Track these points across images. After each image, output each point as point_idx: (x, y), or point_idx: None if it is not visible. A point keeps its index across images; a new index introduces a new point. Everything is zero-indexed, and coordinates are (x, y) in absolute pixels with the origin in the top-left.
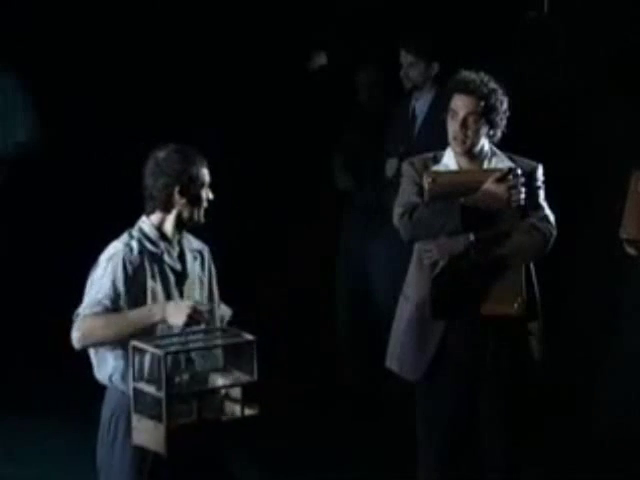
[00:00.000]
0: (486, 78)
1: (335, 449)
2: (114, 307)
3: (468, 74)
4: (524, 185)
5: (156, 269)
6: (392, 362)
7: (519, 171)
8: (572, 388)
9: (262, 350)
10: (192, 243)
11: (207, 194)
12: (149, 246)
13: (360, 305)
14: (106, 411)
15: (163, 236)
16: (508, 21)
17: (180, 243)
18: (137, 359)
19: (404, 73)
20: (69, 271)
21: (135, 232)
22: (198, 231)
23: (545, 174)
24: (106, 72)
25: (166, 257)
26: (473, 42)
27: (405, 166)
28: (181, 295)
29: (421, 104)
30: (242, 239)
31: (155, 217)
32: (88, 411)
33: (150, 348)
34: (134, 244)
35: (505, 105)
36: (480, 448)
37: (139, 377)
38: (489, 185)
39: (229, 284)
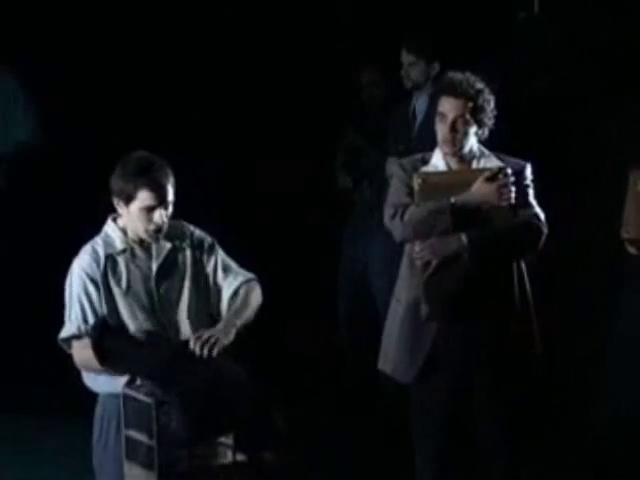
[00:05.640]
0: (472, 79)
1: (335, 448)
2: (87, 327)
3: (455, 75)
4: (513, 184)
5: (123, 273)
6: (384, 364)
7: (509, 170)
8: (571, 388)
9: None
10: (170, 231)
11: (158, 216)
12: (113, 250)
13: (361, 304)
14: (98, 411)
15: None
16: (498, 22)
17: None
18: (130, 405)
19: (405, 72)
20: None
21: (99, 238)
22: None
23: (541, 173)
24: (107, 72)
25: (138, 255)
26: (471, 42)
27: (394, 167)
28: (158, 290)
29: (421, 103)
30: (241, 239)
31: (120, 220)
32: (87, 411)
33: (141, 397)
34: (99, 250)
35: (492, 104)
36: (477, 447)
37: (131, 423)
38: (479, 184)
39: None
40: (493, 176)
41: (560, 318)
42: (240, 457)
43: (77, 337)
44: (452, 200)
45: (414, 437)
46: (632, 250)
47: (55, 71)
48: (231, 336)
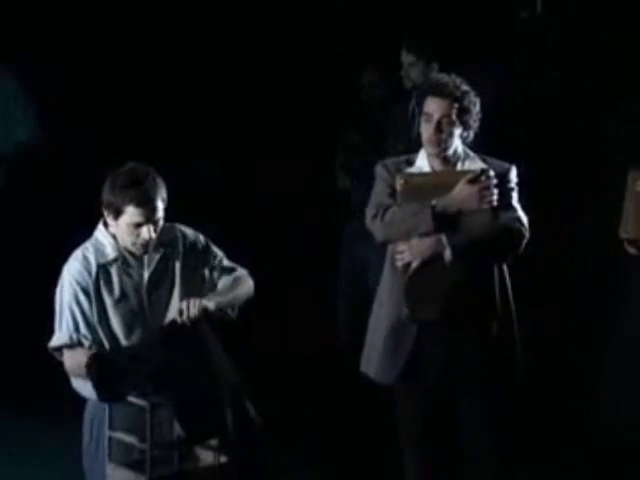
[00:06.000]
0: (458, 80)
1: (333, 447)
2: (79, 336)
3: (441, 77)
4: (497, 186)
5: (116, 283)
6: (367, 367)
7: (492, 172)
8: (571, 388)
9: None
10: (162, 237)
11: (146, 232)
12: (105, 259)
13: (361, 304)
14: (87, 416)
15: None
16: (500, 22)
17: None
18: (120, 407)
19: (404, 72)
20: None
21: (90, 245)
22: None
23: (541, 173)
24: (107, 72)
25: (130, 264)
26: (471, 42)
27: (378, 168)
28: (149, 297)
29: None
30: (240, 239)
31: (111, 227)
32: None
33: (133, 399)
34: (91, 258)
35: (478, 107)
36: (461, 448)
37: (120, 426)
38: (461, 186)
39: None
40: (475, 178)
41: (560, 319)
42: (223, 459)
43: (68, 346)
44: (433, 202)
45: (400, 438)
46: (631, 250)
47: (55, 71)
48: (211, 304)
